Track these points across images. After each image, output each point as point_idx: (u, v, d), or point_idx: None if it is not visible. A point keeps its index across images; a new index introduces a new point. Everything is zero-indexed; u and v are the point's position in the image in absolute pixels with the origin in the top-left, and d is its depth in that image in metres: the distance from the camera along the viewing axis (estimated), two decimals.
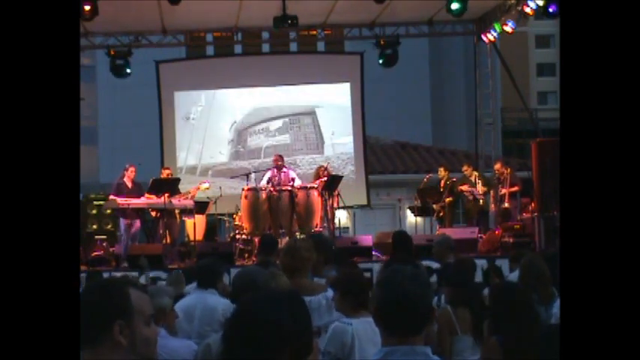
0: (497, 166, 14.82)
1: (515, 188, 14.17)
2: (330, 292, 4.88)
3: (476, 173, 14.78)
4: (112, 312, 2.24)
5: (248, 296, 2.40)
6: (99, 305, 2.24)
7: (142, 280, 10.34)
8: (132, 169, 13.12)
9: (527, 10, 13.73)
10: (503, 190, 14.20)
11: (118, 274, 10.40)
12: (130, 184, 13.03)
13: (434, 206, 14.61)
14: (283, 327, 2.13)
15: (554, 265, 5.54)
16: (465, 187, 14.40)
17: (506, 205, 14.19)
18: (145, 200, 12.62)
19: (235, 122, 16.88)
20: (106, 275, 10.13)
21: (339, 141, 16.86)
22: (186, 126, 16.63)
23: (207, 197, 13.99)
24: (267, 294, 2.40)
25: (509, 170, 14.40)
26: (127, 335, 2.24)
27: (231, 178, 15.23)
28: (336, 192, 13.17)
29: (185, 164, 16.48)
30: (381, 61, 16.06)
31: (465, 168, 15.00)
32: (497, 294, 4.24)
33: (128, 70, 15.69)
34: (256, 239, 12.56)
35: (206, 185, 13.79)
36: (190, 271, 7.71)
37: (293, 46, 21.85)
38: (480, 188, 14.36)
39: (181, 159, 16.53)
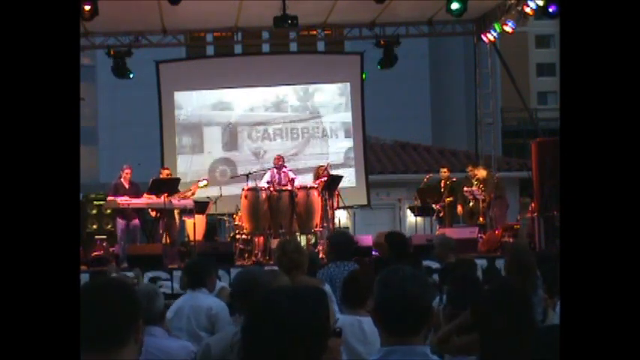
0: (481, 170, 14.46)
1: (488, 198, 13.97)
2: (327, 288, 4.92)
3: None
4: (136, 311, 2.26)
5: (269, 290, 2.41)
6: (126, 305, 2.25)
7: (145, 279, 10.40)
8: (128, 170, 13.16)
9: (527, 10, 13.73)
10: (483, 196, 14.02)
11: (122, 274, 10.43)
12: (127, 185, 13.05)
13: (434, 206, 14.60)
14: (300, 324, 2.12)
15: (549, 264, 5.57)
16: (476, 189, 14.21)
17: (472, 204, 14.19)
18: (145, 200, 12.62)
19: (230, 124, 16.65)
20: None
21: (342, 144, 16.80)
22: (176, 128, 16.40)
23: (207, 197, 13.99)
24: (287, 289, 2.39)
25: (495, 179, 14.30)
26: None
27: (231, 178, 15.22)
28: (336, 192, 13.18)
29: (176, 170, 15.59)
30: (379, 67, 16.14)
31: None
32: (494, 292, 4.22)
33: (131, 75, 15.77)
34: (256, 239, 12.60)
35: (204, 183, 13.79)
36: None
37: (293, 46, 21.86)
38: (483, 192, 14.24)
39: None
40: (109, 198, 12.88)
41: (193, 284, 5.80)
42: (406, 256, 7.43)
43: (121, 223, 12.92)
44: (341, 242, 6.55)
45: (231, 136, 16.66)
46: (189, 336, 5.29)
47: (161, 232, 12.82)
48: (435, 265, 9.09)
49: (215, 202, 13.79)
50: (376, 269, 6.15)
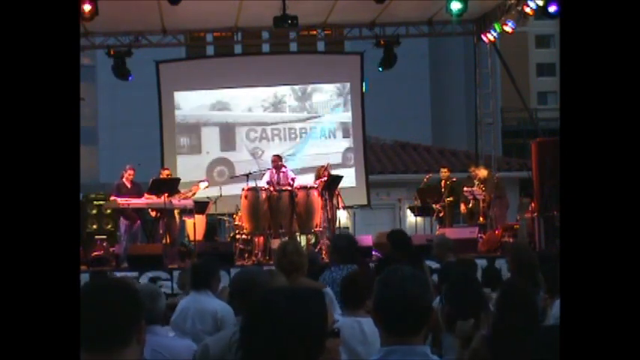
0: (482, 171, 14.43)
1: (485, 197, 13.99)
2: (328, 290, 4.92)
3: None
4: (139, 311, 2.26)
5: (267, 291, 2.41)
6: (128, 305, 2.25)
7: (144, 280, 10.41)
8: (131, 170, 13.18)
9: (527, 10, 13.73)
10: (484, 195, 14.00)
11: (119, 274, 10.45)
12: (129, 185, 13.07)
13: (434, 206, 14.59)
14: (298, 324, 2.12)
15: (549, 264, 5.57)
16: (477, 189, 14.16)
17: (471, 204, 14.19)
18: (145, 200, 12.62)
19: (228, 124, 16.63)
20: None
21: (340, 144, 16.77)
22: (174, 128, 16.37)
23: (207, 197, 13.99)
24: (285, 290, 2.39)
25: (495, 179, 14.29)
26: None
27: (231, 178, 15.21)
28: (337, 192, 13.16)
29: (176, 170, 15.33)
30: (380, 68, 16.15)
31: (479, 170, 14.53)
32: (504, 294, 4.23)
33: (129, 78, 15.82)
34: (256, 239, 12.59)
35: (205, 184, 13.79)
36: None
37: (293, 46, 21.86)
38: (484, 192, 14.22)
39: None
40: (112, 198, 12.88)
41: (198, 285, 5.71)
42: (410, 254, 7.42)
43: (124, 223, 12.93)
44: (343, 245, 6.51)
45: (229, 136, 16.63)
46: (193, 338, 5.25)
47: (161, 232, 12.82)
48: (434, 265, 9.09)
49: (215, 202, 13.79)
50: (379, 268, 6.12)
